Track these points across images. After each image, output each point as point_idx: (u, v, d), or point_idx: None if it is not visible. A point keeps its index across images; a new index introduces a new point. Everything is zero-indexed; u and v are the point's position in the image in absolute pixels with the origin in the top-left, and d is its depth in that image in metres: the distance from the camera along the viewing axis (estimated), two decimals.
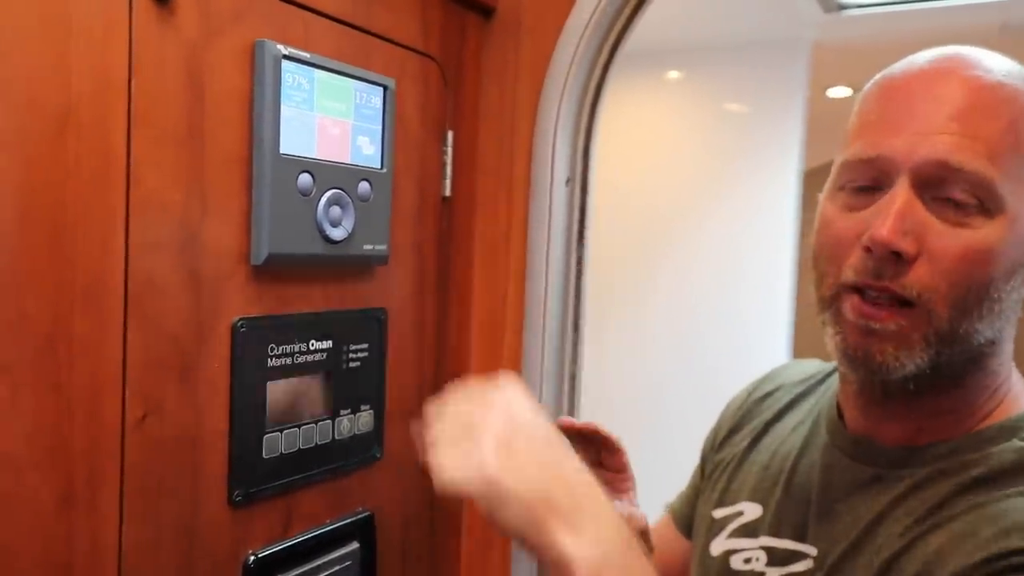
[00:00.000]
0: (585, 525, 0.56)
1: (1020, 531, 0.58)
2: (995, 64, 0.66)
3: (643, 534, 0.88)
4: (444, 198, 1.06)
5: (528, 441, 0.58)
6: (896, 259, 0.63)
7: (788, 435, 0.85)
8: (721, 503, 0.86)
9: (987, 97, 0.63)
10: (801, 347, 2.81)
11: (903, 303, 0.64)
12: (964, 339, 0.65)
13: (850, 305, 0.66)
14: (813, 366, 0.93)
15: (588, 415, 1.11)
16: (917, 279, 0.63)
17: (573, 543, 0.55)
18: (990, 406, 0.70)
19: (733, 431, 0.93)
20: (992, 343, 0.67)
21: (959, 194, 0.62)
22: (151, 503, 0.73)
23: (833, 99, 3.59)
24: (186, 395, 0.75)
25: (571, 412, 1.12)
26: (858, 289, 0.66)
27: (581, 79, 1.08)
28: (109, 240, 0.68)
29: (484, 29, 1.09)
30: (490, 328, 1.11)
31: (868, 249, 0.64)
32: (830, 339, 0.69)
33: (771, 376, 0.97)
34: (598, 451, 0.95)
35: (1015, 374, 0.72)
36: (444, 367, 1.08)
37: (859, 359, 0.66)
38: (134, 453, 0.71)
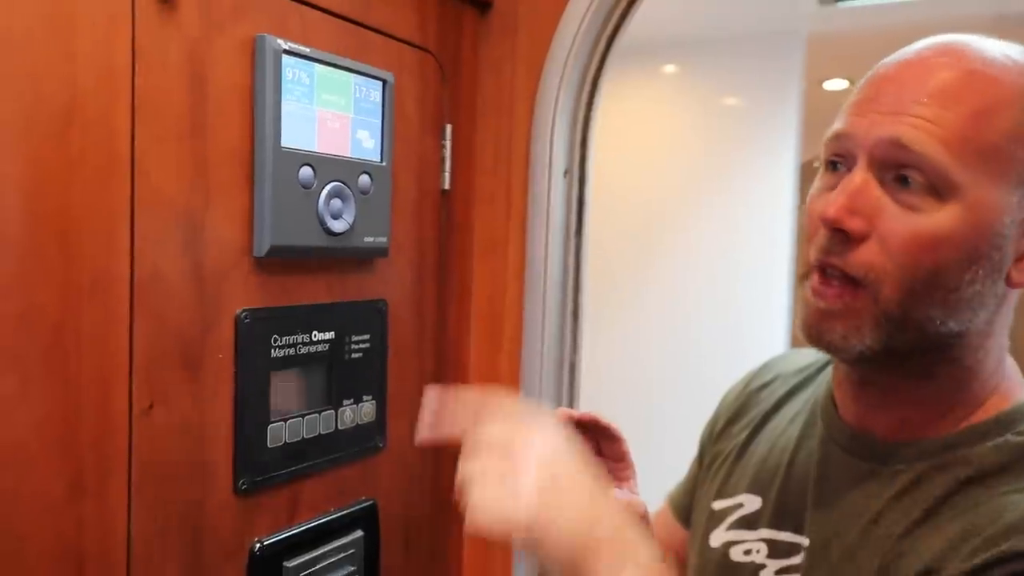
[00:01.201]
0: (627, 568, 0.57)
1: (1017, 531, 0.58)
2: (977, 52, 0.66)
3: (643, 521, 0.89)
4: (443, 191, 1.07)
5: (571, 483, 0.58)
6: (844, 237, 0.64)
7: (786, 426, 0.85)
8: (720, 495, 0.87)
9: (955, 84, 0.63)
10: (799, 338, 2.82)
11: (853, 282, 0.65)
12: (918, 326, 0.65)
13: (810, 284, 0.68)
14: (810, 356, 0.94)
15: (586, 405, 1.13)
16: (864, 259, 0.64)
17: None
18: (980, 398, 0.70)
19: (731, 422, 0.94)
20: (959, 335, 0.67)
21: (911, 174, 0.63)
22: (159, 492, 0.74)
23: (829, 92, 3.60)
24: (192, 385, 0.76)
25: (571, 401, 1.14)
26: (820, 267, 0.68)
27: (578, 71, 1.09)
28: (114, 233, 0.69)
29: (481, 22, 1.10)
30: (490, 318, 1.12)
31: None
32: (796, 315, 0.71)
33: (768, 366, 0.97)
34: (598, 440, 0.96)
35: (1008, 367, 0.72)
36: (445, 358, 1.10)
37: (813, 337, 0.68)
38: (142, 443, 0.72)
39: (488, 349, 1.12)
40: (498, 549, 1.12)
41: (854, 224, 0.64)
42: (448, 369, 1.10)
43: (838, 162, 0.68)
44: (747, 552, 0.79)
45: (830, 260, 0.65)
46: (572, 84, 1.09)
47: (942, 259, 0.63)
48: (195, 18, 0.74)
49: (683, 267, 3.14)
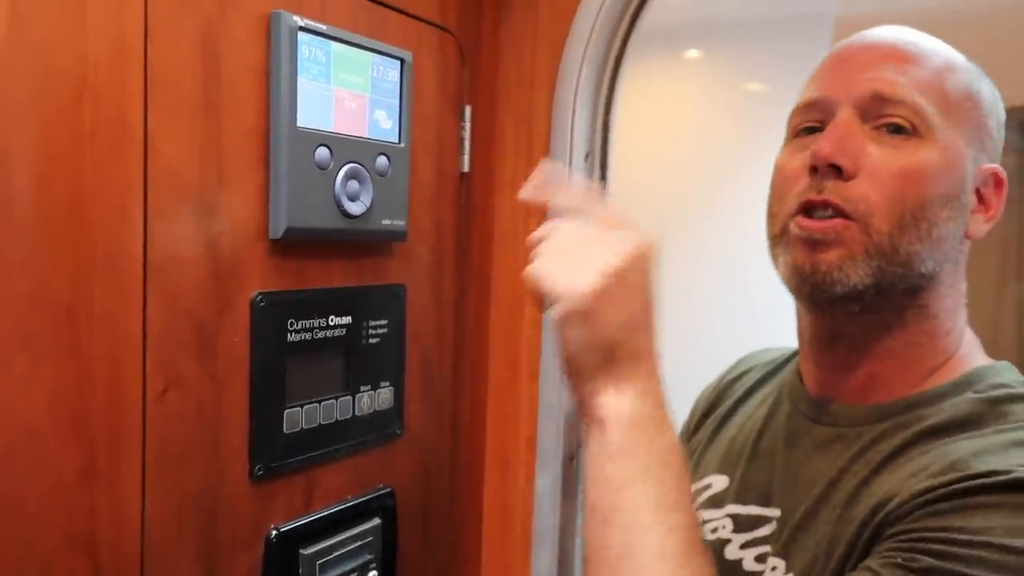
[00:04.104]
0: (628, 389, 0.60)
1: (963, 463, 0.60)
2: (925, 37, 0.73)
3: None
4: (462, 174, 1.05)
5: (632, 291, 0.60)
6: (836, 173, 0.67)
7: (755, 410, 0.87)
8: (691, 479, 0.87)
9: (915, 51, 0.71)
10: None
11: (843, 216, 0.68)
12: (906, 260, 0.68)
13: (795, 223, 0.70)
14: (783, 350, 0.95)
15: None
16: (857, 193, 0.67)
17: (613, 402, 0.59)
18: (940, 358, 0.72)
19: (706, 415, 0.96)
20: (930, 276, 0.70)
21: (894, 119, 0.68)
22: (173, 476, 0.73)
23: None
24: (206, 369, 0.75)
25: None
26: (803, 210, 0.70)
27: (600, 53, 1.07)
28: (127, 211, 0.67)
29: (501, 2, 1.08)
30: (509, 304, 1.10)
31: (813, 169, 0.68)
32: (780, 267, 0.73)
33: (744, 360, 0.99)
34: None
35: (968, 334, 0.75)
36: (464, 344, 1.08)
37: (806, 272, 0.69)
38: (155, 426, 0.71)
39: (508, 335, 1.10)
40: (517, 536, 1.10)
41: (846, 161, 0.67)
42: (467, 355, 1.09)
43: (814, 127, 0.72)
44: (714, 530, 0.80)
45: (823, 197, 0.68)
46: (593, 66, 1.07)
47: (926, 192, 0.67)
48: None
49: (704, 254, 3.11)
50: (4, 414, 0.61)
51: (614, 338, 0.59)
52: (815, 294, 0.70)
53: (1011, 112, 0.76)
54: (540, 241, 0.63)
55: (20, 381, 0.61)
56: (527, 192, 0.66)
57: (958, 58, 0.73)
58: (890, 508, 0.61)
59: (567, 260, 0.60)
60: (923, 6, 2.64)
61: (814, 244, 0.68)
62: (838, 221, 0.67)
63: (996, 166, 0.73)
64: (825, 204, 0.68)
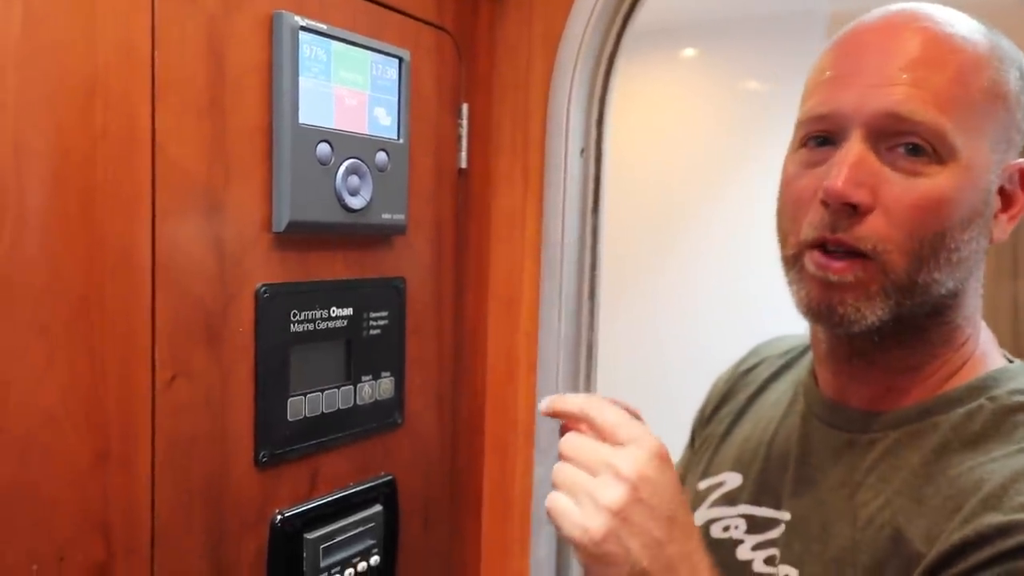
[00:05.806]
0: None
1: (995, 499, 0.59)
2: (945, 16, 0.67)
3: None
4: (460, 170, 1.07)
5: (648, 508, 0.58)
6: (851, 211, 0.64)
7: (770, 407, 0.86)
8: (705, 475, 0.88)
9: (934, 48, 0.64)
10: None
11: (860, 256, 0.65)
12: (924, 290, 0.65)
13: (811, 259, 0.67)
14: (796, 339, 0.94)
15: (604, 385, 1.13)
16: (872, 230, 0.64)
17: None
18: (956, 363, 0.70)
19: (719, 406, 0.95)
20: (954, 294, 0.68)
21: (912, 139, 0.63)
22: (182, 462, 0.75)
23: None
24: (213, 358, 0.78)
25: (588, 380, 1.14)
26: (818, 245, 0.67)
27: (594, 49, 1.09)
28: (136, 207, 0.70)
29: (497, 2, 1.10)
30: (507, 297, 1.12)
31: (825, 203, 0.65)
32: (794, 296, 0.70)
33: (756, 351, 0.98)
34: None
35: (984, 332, 0.73)
36: (462, 336, 1.10)
37: (822, 313, 0.67)
38: (164, 413, 0.74)
39: (506, 328, 1.13)
40: (516, 524, 1.13)
41: (861, 196, 0.63)
42: (466, 348, 1.11)
43: (826, 138, 0.67)
44: (726, 528, 0.80)
45: (836, 236, 0.64)
46: (588, 63, 1.09)
47: (947, 220, 0.64)
48: None
49: (701, 252, 3.13)
50: (22, 402, 0.63)
51: (639, 565, 0.58)
52: (831, 329, 0.69)
53: None
54: (557, 469, 0.62)
55: (37, 370, 0.64)
56: (543, 408, 0.67)
57: (981, 43, 0.66)
58: (930, 563, 0.59)
59: (579, 494, 0.59)
60: None
61: (829, 284, 0.66)
62: (856, 262, 0.65)
63: (1022, 161, 0.68)
64: (839, 244, 0.65)
